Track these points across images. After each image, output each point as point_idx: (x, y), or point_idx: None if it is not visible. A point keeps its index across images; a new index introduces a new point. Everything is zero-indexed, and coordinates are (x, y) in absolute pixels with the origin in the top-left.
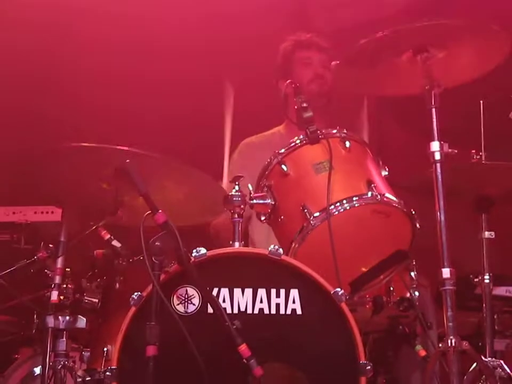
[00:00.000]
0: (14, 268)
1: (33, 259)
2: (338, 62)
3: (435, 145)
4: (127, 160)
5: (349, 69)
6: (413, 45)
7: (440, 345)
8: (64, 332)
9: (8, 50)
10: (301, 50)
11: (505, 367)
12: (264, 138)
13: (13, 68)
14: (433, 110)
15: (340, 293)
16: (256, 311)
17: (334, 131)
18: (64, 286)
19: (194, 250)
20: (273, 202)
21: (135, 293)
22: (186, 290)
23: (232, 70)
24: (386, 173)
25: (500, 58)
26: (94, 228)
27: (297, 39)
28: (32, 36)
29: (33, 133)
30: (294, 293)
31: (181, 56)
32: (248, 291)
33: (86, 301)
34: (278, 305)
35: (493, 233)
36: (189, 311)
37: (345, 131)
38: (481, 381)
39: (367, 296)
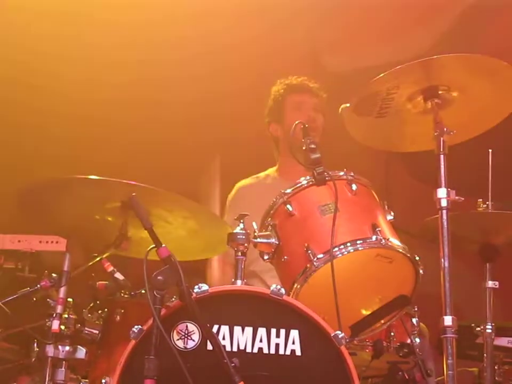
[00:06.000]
0: (17, 295)
1: (36, 288)
2: (348, 105)
3: (442, 192)
4: (133, 194)
5: (357, 117)
6: (423, 89)
7: None
8: (64, 362)
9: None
10: (292, 94)
11: None
12: (258, 181)
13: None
14: (442, 156)
15: (340, 336)
16: (255, 350)
17: (341, 173)
18: (66, 316)
19: (196, 286)
20: (277, 242)
21: (135, 326)
22: (187, 326)
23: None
24: (392, 218)
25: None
26: (97, 259)
27: (289, 83)
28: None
29: (40, 165)
30: (294, 333)
31: (185, 89)
32: (249, 330)
33: (87, 332)
34: (277, 345)
35: (496, 282)
36: (189, 346)
37: (352, 173)
38: None
39: (367, 340)
